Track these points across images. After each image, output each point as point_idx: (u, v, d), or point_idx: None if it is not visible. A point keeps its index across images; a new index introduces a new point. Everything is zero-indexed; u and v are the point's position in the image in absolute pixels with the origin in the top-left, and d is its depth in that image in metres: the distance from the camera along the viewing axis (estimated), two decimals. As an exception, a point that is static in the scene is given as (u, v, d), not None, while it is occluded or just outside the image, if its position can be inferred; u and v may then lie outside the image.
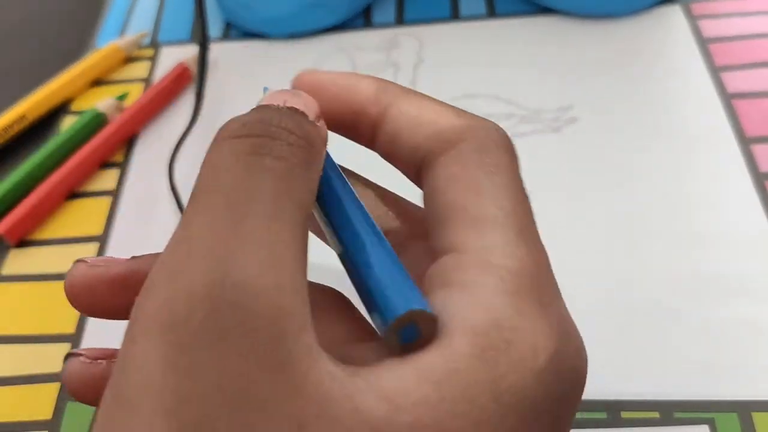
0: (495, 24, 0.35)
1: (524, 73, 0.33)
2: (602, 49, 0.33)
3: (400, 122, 0.15)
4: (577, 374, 0.12)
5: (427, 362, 0.11)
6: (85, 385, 0.16)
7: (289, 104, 0.14)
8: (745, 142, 0.29)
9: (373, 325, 0.13)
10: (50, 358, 0.26)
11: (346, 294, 0.16)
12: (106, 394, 0.11)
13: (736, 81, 0.31)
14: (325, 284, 0.16)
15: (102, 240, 0.29)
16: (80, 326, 0.27)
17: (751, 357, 0.23)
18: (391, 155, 0.16)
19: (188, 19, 0.39)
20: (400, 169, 0.16)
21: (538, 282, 0.12)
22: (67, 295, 0.16)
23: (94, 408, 0.25)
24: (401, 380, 0.11)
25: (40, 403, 0.25)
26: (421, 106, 0.15)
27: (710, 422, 0.21)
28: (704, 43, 0.33)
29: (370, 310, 0.13)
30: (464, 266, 0.12)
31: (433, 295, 0.13)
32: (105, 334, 0.26)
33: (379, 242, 0.13)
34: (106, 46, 0.36)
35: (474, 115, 0.15)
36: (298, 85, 0.16)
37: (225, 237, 0.11)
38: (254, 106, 0.14)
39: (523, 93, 0.32)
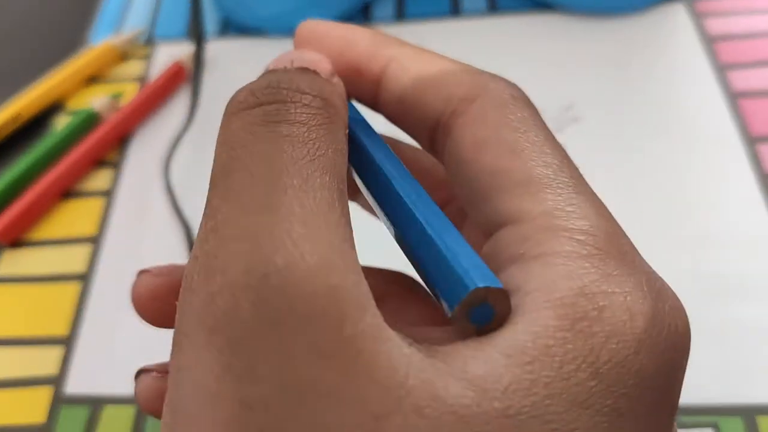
0: (496, 20, 0.35)
1: (526, 71, 0.32)
2: (605, 47, 0.33)
3: (402, 81, 0.14)
4: (679, 334, 0.11)
5: (514, 341, 0.10)
6: (161, 401, 0.15)
7: (297, 64, 0.13)
8: (750, 141, 0.28)
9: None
10: (44, 361, 0.26)
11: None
12: (164, 410, 0.10)
13: (741, 80, 0.31)
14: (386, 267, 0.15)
15: (96, 240, 0.29)
16: (74, 328, 0.26)
17: (756, 360, 0.22)
18: (396, 118, 0.14)
19: (184, 15, 0.38)
20: (409, 134, 0.14)
21: (616, 239, 0.11)
22: (135, 309, 0.15)
23: (88, 411, 0.25)
24: (487, 362, 0.10)
25: (33, 406, 0.24)
26: (423, 61, 0.14)
27: (714, 426, 0.21)
28: (708, 41, 0.32)
29: (434, 291, 0.11)
30: (530, 236, 0.11)
31: (503, 273, 0.11)
32: (100, 336, 0.26)
33: (434, 213, 0.12)
34: (100, 43, 0.36)
35: (481, 69, 0.14)
36: (299, 36, 0.15)
37: (255, 219, 0.10)
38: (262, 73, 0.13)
39: (525, 91, 0.31)
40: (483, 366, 0.10)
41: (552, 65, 0.32)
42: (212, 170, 0.12)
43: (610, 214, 0.12)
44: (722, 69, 0.31)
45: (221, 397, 0.09)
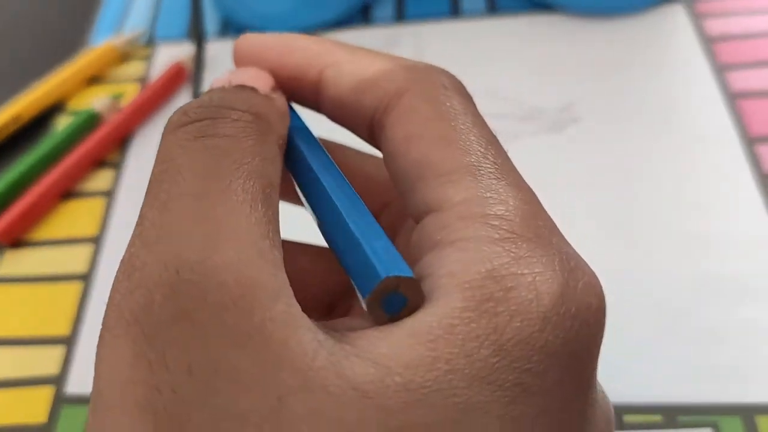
0: (496, 21, 0.35)
1: (525, 72, 0.32)
2: (604, 48, 0.33)
3: (338, 84, 0.14)
4: (591, 311, 0.11)
5: (420, 322, 0.10)
6: None
7: (234, 83, 0.14)
8: (750, 142, 0.29)
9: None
10: (45, 361, 0.26)
11: None
12: (90, 403, 0.11)
13: (740, 80, 0.31)
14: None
15: (97, 241, 0.29)
16: (75, 328, 0.26)
17: (755, 360, 0.22)
18: (338, 119, 0.15)
19: (185, 16, 0.38)
20: (353, 133, 0.15)
21: (532, 222, 0.12)
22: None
23: (88, 411, 0.25)
24: (392, 342, 0.10)
25: (34, 406, 0.24)
26: (357, 63, 0.14)
27: (714, 425, 0.21)
28: (708, 41, 0.32)
29: (353, 282, 0.12)
30: (448, 223, 0.12)
31: (423, 260, 0.12)
32: (100, 336, 0.26)
33: (354, 207, 0.12)
34: (101, 44, 0.36)
35: (413, 61, 0.14)
36: (237, 51, 0.16)
37: (176, 222, 0.11)
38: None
39: (524, 92, 0.32)
40: (387, 346, 0.10)
41: (551, 66, 0.32)
42: (147, 184, 0.13)
43: (531, 196, 0.12)
44: (721, 69, 0.31)
45: (133, 384, 0.10)
